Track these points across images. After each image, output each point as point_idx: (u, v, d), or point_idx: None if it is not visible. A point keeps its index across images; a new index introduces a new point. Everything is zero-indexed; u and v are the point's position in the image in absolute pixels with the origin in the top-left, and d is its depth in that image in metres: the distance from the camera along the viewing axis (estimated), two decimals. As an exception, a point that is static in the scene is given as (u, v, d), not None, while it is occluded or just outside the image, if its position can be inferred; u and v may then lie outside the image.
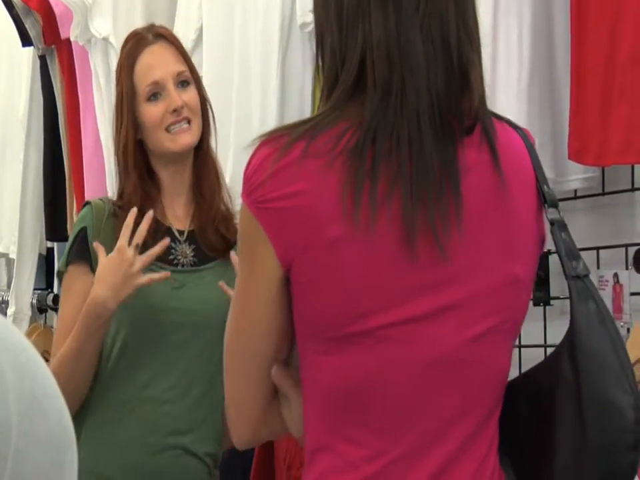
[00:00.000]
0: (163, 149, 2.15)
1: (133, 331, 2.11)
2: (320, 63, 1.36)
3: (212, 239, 2.18)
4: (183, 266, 2.17)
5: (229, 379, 1.37)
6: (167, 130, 2.14)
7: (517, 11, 2.36)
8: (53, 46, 3.39)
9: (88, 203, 2.21)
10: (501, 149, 1.31)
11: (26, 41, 3.37)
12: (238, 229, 1.35)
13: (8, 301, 3.66)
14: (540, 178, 1.36)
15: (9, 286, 3.82)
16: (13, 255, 3.70)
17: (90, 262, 2.12)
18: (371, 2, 1.28)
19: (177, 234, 2.18)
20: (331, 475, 1.31)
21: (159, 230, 2.15)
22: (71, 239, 2.19)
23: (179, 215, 2.20)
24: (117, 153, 2.21)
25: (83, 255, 2.13)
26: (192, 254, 2.18)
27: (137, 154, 2.17)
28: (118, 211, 2.14)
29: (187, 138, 2.14)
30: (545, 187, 1.35)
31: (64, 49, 3.35)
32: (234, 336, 1.35)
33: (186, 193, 2.20)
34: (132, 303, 2.08)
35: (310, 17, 2.69)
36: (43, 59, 3.45)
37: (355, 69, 1.29)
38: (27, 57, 3.57)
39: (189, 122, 2.15)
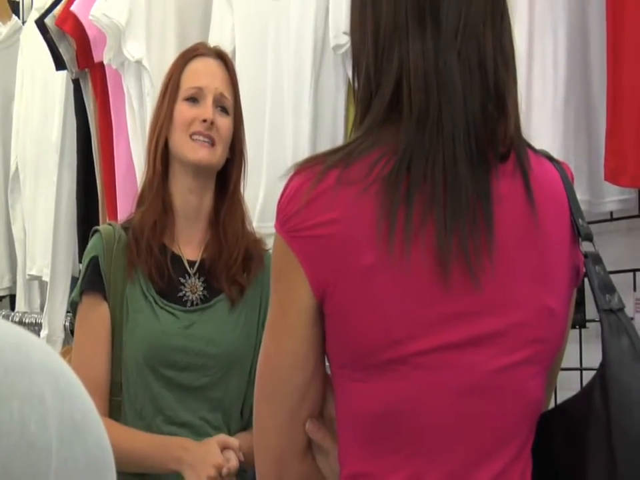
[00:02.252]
0: (181, 154, 2.13)
1: (144, 371, 2.08)
2: (355, 86, 1.35)
3: (225, 287, 2.14)
4: (192, 303, 2.13)
5: (257, 416, 1.35)
6: (191, 137, 2.12)
7: (552, 31, 2.35)
8: (86, 69, 3.41)
9: (97, 230, 2.17)
10: (534, 180, 1.30)
11: (60, 64, 3.39)
12: (271, 260, 1.33)
13: (41, 323, 3.67)
14: (574, 211, 1.34)
15: (42, 308, 3.84)
16: (46, 278, 3.72)
17: (103, 291, 2.10)
18: (409, 26, 1.28)
19: (187, 266, 2.15)
20: None
21: (166, 256, 2.12)
22: (83, 268, 2.16)
23: (191, 243, 2.16)
24: (149, 147, 2.18)
25: (96, 285, 2.10)
26: (202, 287, 2.14)
27: (164, 153, 2.15)
28: (130, 236, 2.12)
29: (205, 153, 2.11)
30: (580, 220, 1.34)
31: (97, 72, 3.37)
32: (266, 370, 1.33)
33: (202, 222, 2.16)
34: (142, 344, 2.07)
35: (343, 39, 2.70)
36: (76, 82, 3.47)
37: (389, 93, 1.28)
38: (61, 80, 3.59)
39: (213, 144, 2.13)
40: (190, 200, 2.15)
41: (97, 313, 2.10)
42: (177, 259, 2.14)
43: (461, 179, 1.25)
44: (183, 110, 2.14)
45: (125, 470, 2.01)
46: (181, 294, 2.13)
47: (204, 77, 2.17)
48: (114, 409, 2.10)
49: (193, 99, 2.15)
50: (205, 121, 2.11)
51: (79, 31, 3.31)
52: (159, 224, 2.13)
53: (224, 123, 2.15)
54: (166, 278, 2.11)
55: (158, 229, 2.12)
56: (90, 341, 2.10)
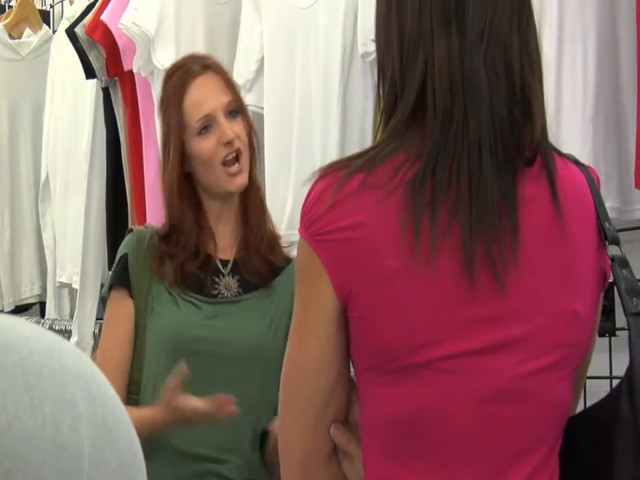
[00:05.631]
0: (218, 186, 2.16)
1: (166, 362, 2.09)
2: (380, 92, 1.35)
3: (257, 266, 2.18)
4: (223, 298, 2.17)
5: (282, 418, 1.35)
6: (223, 164, 2.14)
7: (582, 37, 2.34)
8: (116, 78, 3.43)
9: (131, 230, 2.24)
10: (560, 183, 1.29)
11: (90, 73, 3.41)
12: (295, 263, 1.33)
13: (71, 330, 3.68)
14: (601, 215, 1.33)
15: (71, 316, 3.85)
16: (75, 285, 3.73)
17: (129, 288, 2.15)
18: (434, 29, 1.27)
19: (220, 266, 2.18)
20: None
21: (200, 258, 2.15)
22: (114, 265, 2.22)
23: (224, 243, 2.20)
24: (163, 187, 2.22)
25: (122, 281, 2.16)
26: (236, 285, 2.18)
27: (184, 187, 2.17)
28: (161, 241, 2.16)
29: (240, 181, 2.15)
30: (607, 223, 1.33)
31: (127, 80, 3.38)
32: (290, 373, 1.33)
33: (233, 221, 2.21)
34: (165, 335, 2.10)
35: (371, 47, 2.69)
36: (106, 91, 3.49)
37: (413, 95, 1.28)
38: (91, 89, 3.61)
39: (238, 157, 2.14)
40: (224, 210, 2.19)
41: (123, 307, 2.15)
42: (210, 260, 2.18)
43: (486, 183, 1.25)
44: (201, 145, 2.15)
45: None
46: (215, 292, 2.16)
47: (206, 103, 2.16)
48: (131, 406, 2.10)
49: (205, 128, 2.15)
50: (227, 142, 2.13)
51: (109, 39, 3.33)
52: (193, 229, 2.16)
53: (240, 127, 2.17)
54: (196, 278, 2.14)
55: (192, 234, 2.16)
56: (114, 331, 2.15)
